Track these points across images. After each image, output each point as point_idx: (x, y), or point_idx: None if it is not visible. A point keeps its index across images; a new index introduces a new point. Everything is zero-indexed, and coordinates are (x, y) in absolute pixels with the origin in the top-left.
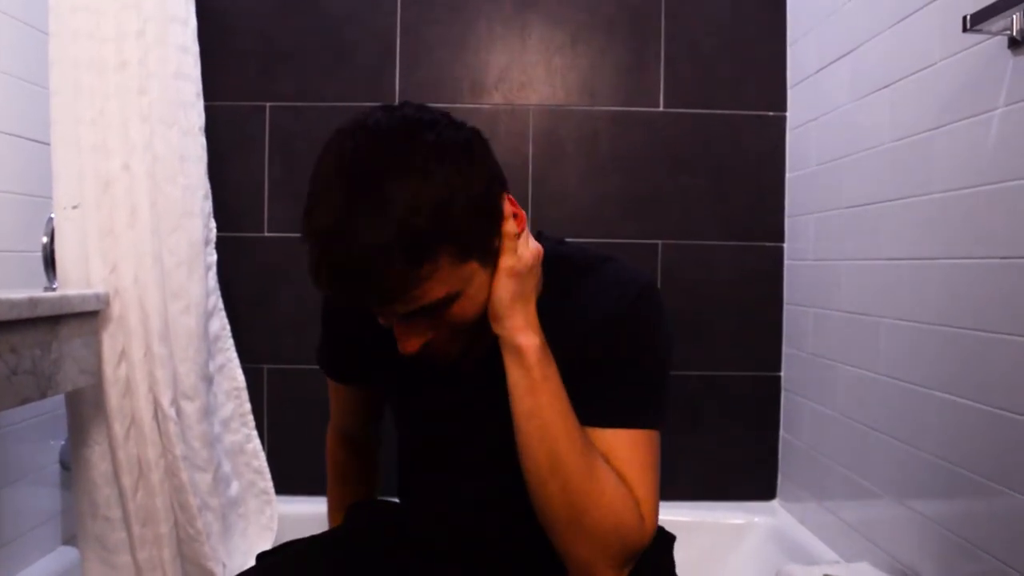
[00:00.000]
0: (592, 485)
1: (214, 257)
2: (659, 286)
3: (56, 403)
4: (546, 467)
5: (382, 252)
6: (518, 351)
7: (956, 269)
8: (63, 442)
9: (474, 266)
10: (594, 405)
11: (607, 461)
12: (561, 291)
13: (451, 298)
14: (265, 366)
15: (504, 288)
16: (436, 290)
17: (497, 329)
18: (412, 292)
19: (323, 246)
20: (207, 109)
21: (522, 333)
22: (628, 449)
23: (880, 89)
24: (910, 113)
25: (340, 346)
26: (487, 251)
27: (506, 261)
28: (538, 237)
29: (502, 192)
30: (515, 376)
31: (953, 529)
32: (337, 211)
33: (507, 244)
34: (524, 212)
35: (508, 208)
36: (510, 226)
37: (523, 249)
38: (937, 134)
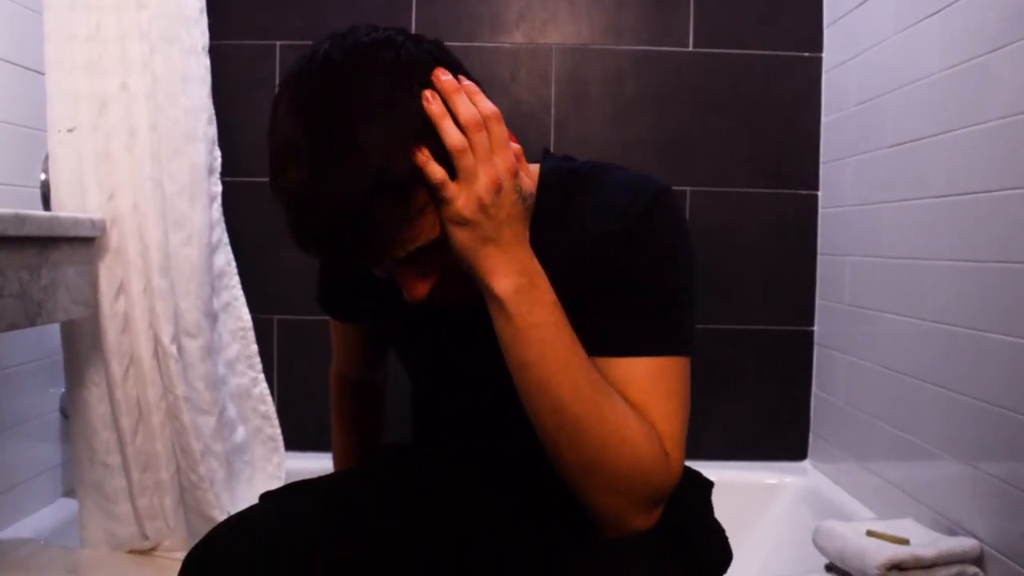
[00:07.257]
0: (606, 433)
1: (219, 187)
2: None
3: (55, 349)
4: (550, 421)
5: (365, 201)
6: (495, 300)
7: (1016, 200)
8: (63, 390)
9: None
10: (605, 331)
11: (624, 394)
12: (560, 204)
13: (447, 235)
14: (276, 317)
15: (456, 238)
16: (430, 228)
17: (474, 277)
18: (405, 235)
19: (299, 206)
20: (214, 48)
21: (496, 278)
22: (648, 379)
23: (928, 16)
24: (962, 38)
25: (338, 284)
26: None
27: (444, 210)
28: (544, 155)
29: None
30: (499, 327)
31: (1012, 482)
32: (306, 166)
33: (444, 192)
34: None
35: (455, 137)
36: (433, 170)
37: (456, 192)
38: (993, 57)
